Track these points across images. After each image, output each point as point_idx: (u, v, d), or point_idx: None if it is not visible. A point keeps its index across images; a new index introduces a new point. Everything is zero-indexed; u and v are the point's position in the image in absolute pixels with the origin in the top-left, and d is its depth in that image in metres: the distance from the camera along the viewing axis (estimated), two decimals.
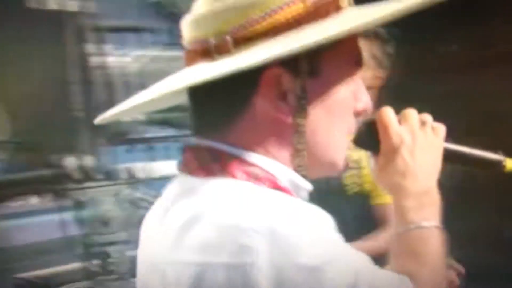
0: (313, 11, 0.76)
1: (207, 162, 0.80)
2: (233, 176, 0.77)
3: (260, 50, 0.74)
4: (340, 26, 0.73)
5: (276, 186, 0.78)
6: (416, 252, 0.86)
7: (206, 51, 0.77)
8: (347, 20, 0.76)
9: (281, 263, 0.69)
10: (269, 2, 0.75)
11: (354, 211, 1.84)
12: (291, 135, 0.81)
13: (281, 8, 0.75)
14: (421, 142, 0.89)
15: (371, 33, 2.19)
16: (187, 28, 0.80)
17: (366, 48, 2.22)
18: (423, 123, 0.90)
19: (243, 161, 0.78)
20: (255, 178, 0.78)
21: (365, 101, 0.86)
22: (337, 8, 0.78)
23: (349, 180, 1.96)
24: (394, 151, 0.89)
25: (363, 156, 1.94)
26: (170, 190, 0.86)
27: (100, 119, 0.88)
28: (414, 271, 0.83)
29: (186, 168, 0.82)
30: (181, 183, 0.83)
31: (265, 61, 0.72)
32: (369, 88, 2.24)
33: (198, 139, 0.82)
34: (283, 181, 0.80)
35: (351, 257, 0.73)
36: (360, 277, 0.70)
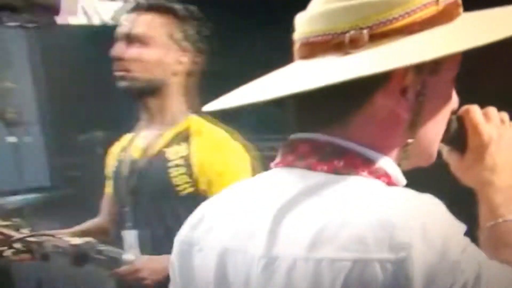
0: (442, 14, 0.81)
1: (329, 158, 0.81)
2: (357, 173, 0.80)
3: (398, 48, 0.77)
4: (473, 38, 0.77)
5: (391, 182, 0.82)
6: (509, 243, 0.90)
7: (338, 44, 0.78)
8: (476, 31, 0.81)
9: (432, 258, 0.72)
10: (410, 2, 0.78)
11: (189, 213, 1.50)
12: (404, 129, 0.84)
13: (420, 9, 0.79)
14: (506, 139, 0.95)
15: (165, 9, 1.89)
16: (311, 21, 0.81)
17: (161, 27, 2.00)
18: (502, 121, 0.97)
19: (364, 158, 0.81)
20: (376, 175, 0.81)
21: (456, 100, 0.91)
22: (458, 14, 0.83)
23: (179, 180, 1.78)
24: (483, 148, 0.94)
25: (193, 151, 1.80)
26: (283, 182, 0.85)
27: (214, 106, 0.85)
28: (510, 260, 0.85)
29: (302, 162, 0.83)
30: (301, 177, 0.83)
31: (414, 63, 0.76)
32: (175, 74, 1.98)
33: (312, 133, 0.84)
34: (393, 177, 0.83)
35: (473, 247, 0.77)
36: (482, 265, 0.75)
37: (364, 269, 0.74)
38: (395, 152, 0.84)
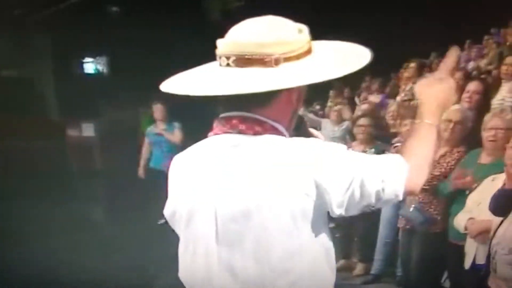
0: (310, 49, 1.57)
1: (253, 126, 1.51)
2: (270, 134, 1.51)
3: (301, 67, 1.50)
4: (347, 67, 1.53)
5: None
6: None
7: (267, 61, 1.47)
8: (333, 65, 1.54)
9: (328, 167, 1.44)
10: (301, 42, 1.53)
11: None
12: (292, 111, 1.60)
13: (303, 46, 1.53)
14: None
15: None
16: (248, 46, 1.48)
17: None
18: None
19: (273, 127, 1.53)
20: (280, 135, 1.54)
21: None
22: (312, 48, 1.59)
23: None
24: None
25: None
26: (218, 143, 1.53)
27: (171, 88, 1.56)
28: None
29: (235, 129, 1.51)
30: (233, 138, 1.51)
31: (324, 79, 1.50)
32: None
33: (242, 112, 1.52)
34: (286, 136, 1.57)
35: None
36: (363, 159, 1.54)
37: (311, 182, 1.44)
38: (286, 125, 1.57)
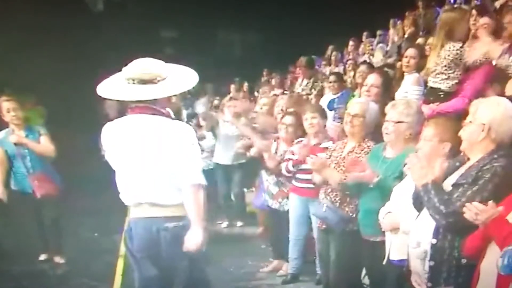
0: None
1: (152, 110, 3.31)
2: (161, 115, 3.36)
3: (170, 84, 3.37)
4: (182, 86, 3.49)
5: None
6: None
7: (150, 81, 3.26)
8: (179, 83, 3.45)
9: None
10: (163, 68, 3.40)
11: None
12: (169, 104, 3.80)
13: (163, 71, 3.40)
14: None
15: None
16: (143, 74, 3.26)
17: None
18: None
19: (161, 111, 3.36)
20: (169, 117, 3.43)
21: None
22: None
23: None
24: None
25: None
26: (131, 119, 3.34)
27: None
28: None
29: (139, 111, 3.30)
30: (139, 117, 3.30)
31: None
32: None
33: (143, 104, 3.30)
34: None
35: None
36: None
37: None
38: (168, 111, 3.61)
